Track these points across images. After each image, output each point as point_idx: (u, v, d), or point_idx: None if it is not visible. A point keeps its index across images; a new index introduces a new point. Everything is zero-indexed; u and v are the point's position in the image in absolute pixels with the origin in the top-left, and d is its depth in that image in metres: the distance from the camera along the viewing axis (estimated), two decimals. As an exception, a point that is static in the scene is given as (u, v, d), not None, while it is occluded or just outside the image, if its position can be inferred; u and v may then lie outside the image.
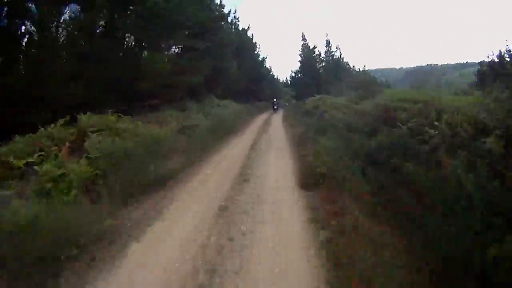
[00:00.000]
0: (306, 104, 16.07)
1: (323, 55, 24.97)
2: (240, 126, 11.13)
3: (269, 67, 35.44)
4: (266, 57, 24.01)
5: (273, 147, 6.79)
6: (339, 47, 29.36)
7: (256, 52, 25.54)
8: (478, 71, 32.01)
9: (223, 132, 9.14)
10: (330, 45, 25.84)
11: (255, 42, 25.37)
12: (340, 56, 26.96)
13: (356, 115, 7.02)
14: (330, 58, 25.86)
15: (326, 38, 25.87)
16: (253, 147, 6.87)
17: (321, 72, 22.72)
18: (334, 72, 24.72)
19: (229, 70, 13.11)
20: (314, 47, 24.52)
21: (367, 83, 9.34)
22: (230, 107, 15.85)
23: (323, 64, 24.21)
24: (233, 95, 22.89)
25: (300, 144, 6.53)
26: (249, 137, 8.63)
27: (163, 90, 8.84)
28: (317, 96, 16.73)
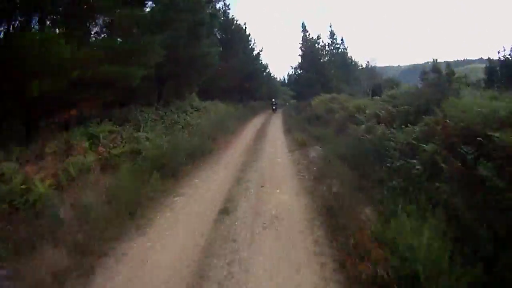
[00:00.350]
0: (314, 107, 12.45)
1: (327, 48, 21.25)
2: (219, 144, 7.48)
3: (265, 64, 31.86)
4: (261, 50, 20.31)
5: (270, 232, 2.92)
6: (344, 40, 25.51)
7: (250, 46, 21.83)
8: (487, 68, 28.42)
9: (184, 160, 5.46)
10: (334, 36, 22.20)
11: (249, 34, 21.66)
12: (346, 49, 23.35)
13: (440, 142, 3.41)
14: (335, 51, 22.21)
15: (330, 29, 22.10)
16: (223, 221, 3.09)
17: (326, 67, 19.07)
18: (341, 67, 21.08)
19: (208, 59, 9.40)
20: (318, 37, 20.86)
21: (442, 79, 5.72)
22: (213, 111, 12.19)
23: (328, 58, 20.53)
24: (224, 94, 19.30)
25: (338, 215, 2.82)
26: (223, 176, 4.88)
27: (84, 93, 5.16)
28: (327, 96, 13.11)
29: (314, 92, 16.33)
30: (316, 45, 20.01)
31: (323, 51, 20.45)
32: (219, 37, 18.29)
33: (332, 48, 22.04)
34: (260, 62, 26.17)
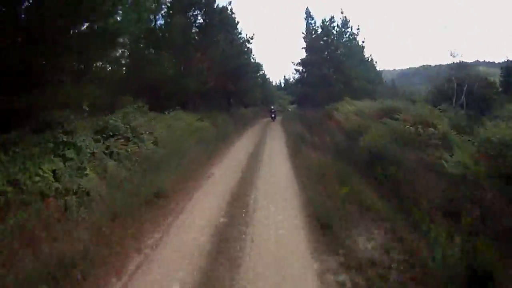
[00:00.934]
0: (342, 122, 6.90)
1: (343, 38, 15.57)
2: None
3: (259, 63, 26.55)
4: (252, 38, 14.64)
5: None
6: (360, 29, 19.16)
7: (239, 36, 16.38)
8: (503, 69, 23.17)
9: None
10: (348, 24, 16.71)
11: (237, 22, 16.18)
12: (362, 42, 17.96)
13: None
14: (349, 43, 16.76)
15: (341, 16, 16.47)
16: None
17: (344, 62, 13.48)
18: (358, 64, 15.67)
19: (110, 22, 3.76)
20: (332, 20, 14.95)
21: None
22: (160, 134, 6.58)
23: (343, 51, 14.90)
24: (201, 99, 13.87)
25: None
26: None
27: None
28: (364, 103, 7.62)
29: (331, 96, 10.86)
30: (332, 29, 14.33)
31: (339, 38, 14.89)
32: (193, 20, 12.89)
33: (345, 39, 16.61)
34: (252, 57, 20.77)
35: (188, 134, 8.02)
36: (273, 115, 18.01)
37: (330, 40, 13.89)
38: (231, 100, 19.58)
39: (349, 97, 10.22)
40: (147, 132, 6.11)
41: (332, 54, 13.42)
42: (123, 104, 7.86)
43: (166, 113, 8.55)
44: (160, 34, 12.07)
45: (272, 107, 20.04)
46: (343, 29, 16.42)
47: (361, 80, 12.82)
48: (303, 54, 18.31)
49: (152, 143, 5.95)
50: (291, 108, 26.87)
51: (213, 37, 12.26)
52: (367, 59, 19.99)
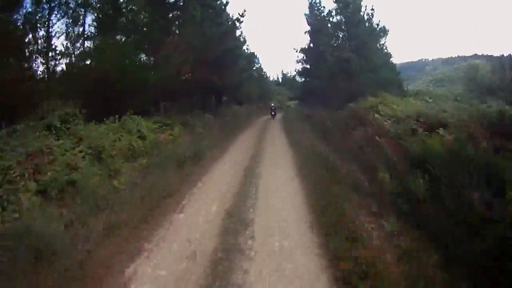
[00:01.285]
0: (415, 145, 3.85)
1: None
2: None
3: (253, 53, 23.43)
4: (243, 16, 11.14)
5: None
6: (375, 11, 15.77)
7: (228, 21, 13.18)
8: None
9: None
10: (361, 3, 13.23)
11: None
12: (378, 26, 14.64)
13: None
14: (363, 25, 13.44)
15: None
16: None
17: (367, 43, 10.06)
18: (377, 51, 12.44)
19: None
20: None
21: None
22: (74, 171, 3.54)
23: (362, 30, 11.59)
24: (180, 96, 10.99)
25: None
26: None
27: None
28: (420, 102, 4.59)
29: (351, 90, 7.82)
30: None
31: (356, 16, 11.44)
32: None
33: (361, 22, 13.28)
34: (246, 47, 17.69)
35: (136, 155, 4.99)
36: (273, 113, 18.34)
37: (348, 13, 10.49)
38: (222, 98, 16.43)
39: (373, 92, 7.23)
40: (30, 172, 3.04)
41: (353, 30, 10.03)
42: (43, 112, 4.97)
43: (107, 122, 5.45)
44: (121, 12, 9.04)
45: (272, 104, 20.08)
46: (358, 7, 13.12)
47: (388, 69, 9.70)
48: (305, 42, 15.12)
49: (36, 194, 2.89)
50: (292, 105, 24.13)
51: (189, 13, 9.09)
52: (382, 47, 16.67)
